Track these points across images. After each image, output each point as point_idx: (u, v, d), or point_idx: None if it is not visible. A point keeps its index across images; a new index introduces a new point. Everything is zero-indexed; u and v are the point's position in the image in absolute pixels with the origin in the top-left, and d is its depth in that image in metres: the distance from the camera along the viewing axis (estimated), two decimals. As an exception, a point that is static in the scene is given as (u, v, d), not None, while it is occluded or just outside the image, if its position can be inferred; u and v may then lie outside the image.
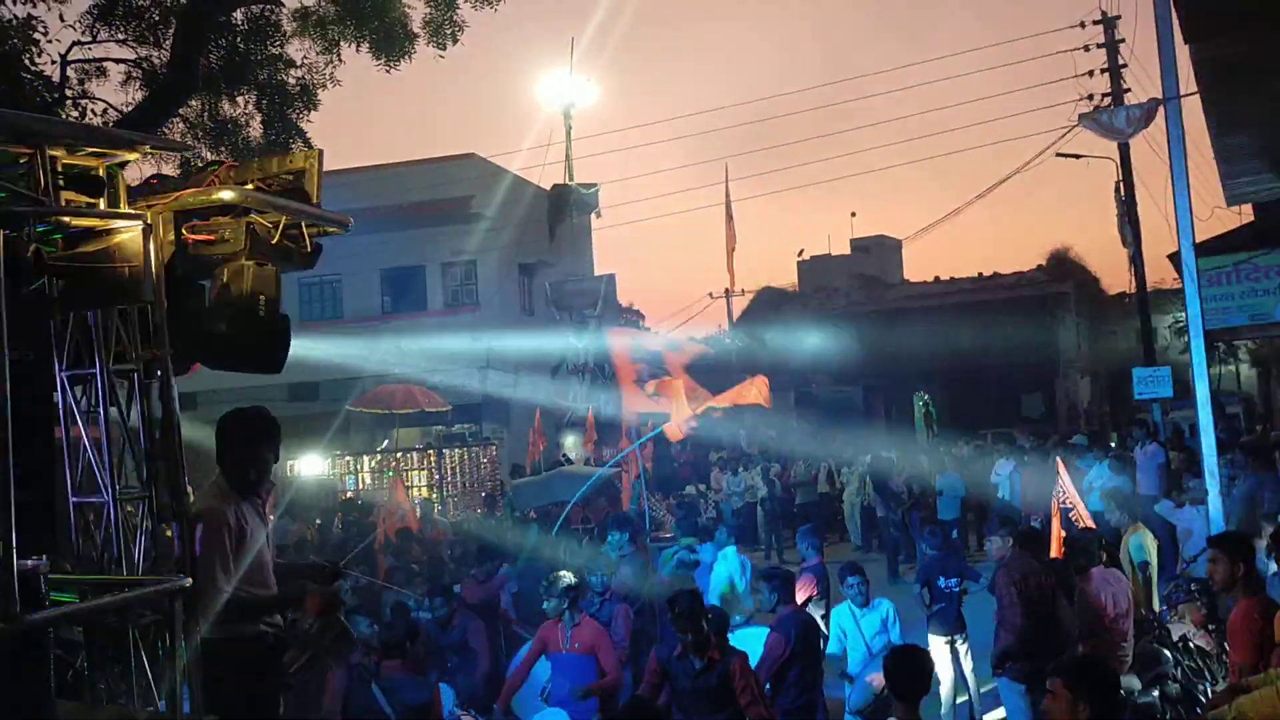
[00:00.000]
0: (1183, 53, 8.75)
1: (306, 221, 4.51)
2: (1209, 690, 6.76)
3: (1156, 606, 8.92)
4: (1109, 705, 4.17)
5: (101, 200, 4.20)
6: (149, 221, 4.14)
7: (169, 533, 4.29)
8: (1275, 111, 9.44)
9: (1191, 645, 7.34)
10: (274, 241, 4.38)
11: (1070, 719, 4.08)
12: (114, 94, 23.49)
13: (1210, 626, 7.50)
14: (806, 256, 46.80)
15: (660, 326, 42.33)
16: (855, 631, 7.92)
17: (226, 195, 4.27)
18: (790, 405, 32.95)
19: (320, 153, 4.56)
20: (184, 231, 4.35)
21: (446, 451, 17.99)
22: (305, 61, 13.46)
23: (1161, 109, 10.50)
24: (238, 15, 13.00)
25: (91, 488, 4.23)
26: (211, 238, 4.34)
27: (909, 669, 4.93)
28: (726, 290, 32.06)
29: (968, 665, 8.66)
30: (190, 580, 4.09)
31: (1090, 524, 9.49)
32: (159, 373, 4.22)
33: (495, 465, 20.39)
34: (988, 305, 38.78)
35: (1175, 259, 11.31)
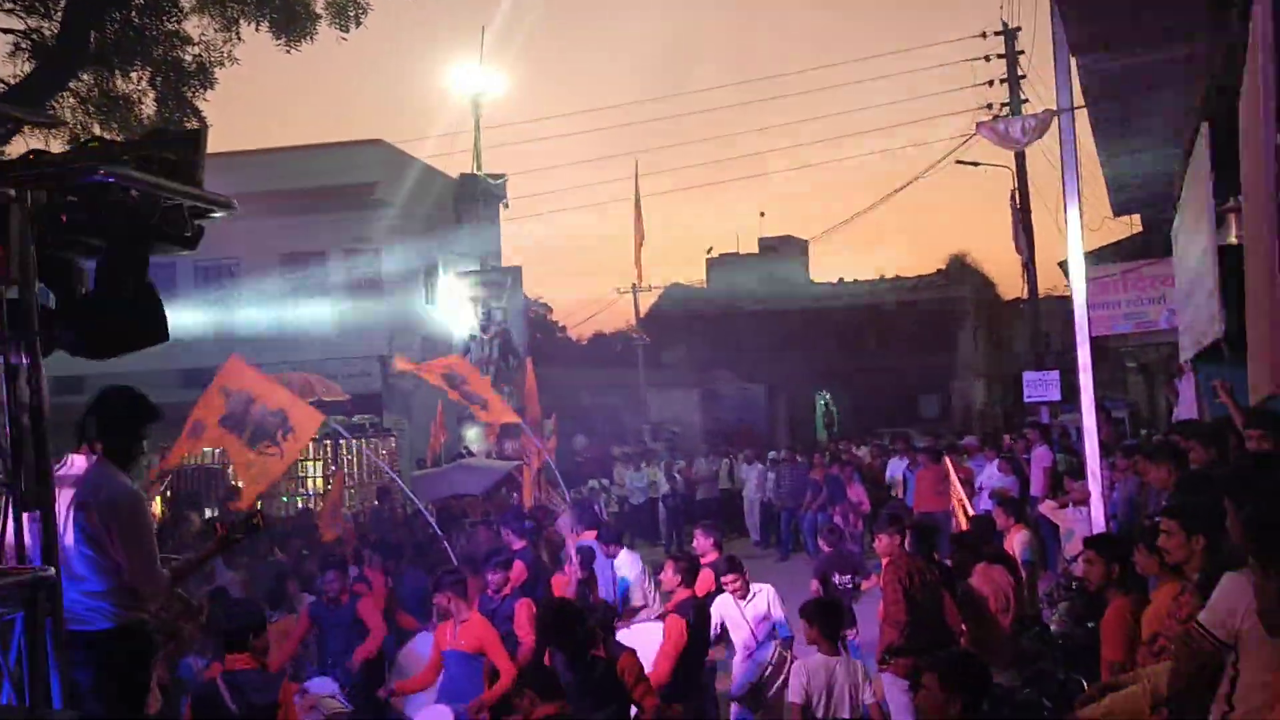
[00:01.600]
0: (1076, 64, 9.00)
1: (188, 202, 4.37)
2: (1084, 687, 6.96)
3: (1037, 604, 9.19)
4: (980, 700, 4.28)
5: (-33, 173, 4.02)
6: (18, 197, 3.97)
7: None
8: (1159, 128, 9.77)
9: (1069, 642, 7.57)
10: (153, 221, 4.25)
11: (942, 712, 4.17)
12: (1, 64, 22.59)
13: (1089, 625, 7.75)
14: (715, 254, 47.11)
15: (568, 320, 42.23)
16: (739, 618, 7.99)
17: (103, 172, 4.12)
18: (695, 402, 33.16)
19: (204, 131, 4.45)
20: (58, 209, 4.19)
21: (343, 442, 17.66)
22: (203, 39, 13.11)
23: (1055, 120, 10.81)
24: (134, -12, 12.61)
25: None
26: (87, 216, 4.19)
27: (828, 613, 6.49)
28: (634, 286, 32.08)
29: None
30: (52, 571, 3.95)
31: (965, 525, 9.75)
32: (26, 355, 4.06)
33: (395, 457, 20.11)
34: (888, 307, 39.59)
35: (1065, 266, 11.64)
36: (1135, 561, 5.47)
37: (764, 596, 8.24)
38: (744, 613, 8.03)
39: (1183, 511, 4.49)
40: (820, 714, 6.36)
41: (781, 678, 7.56)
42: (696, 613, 7.34)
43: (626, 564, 9.35)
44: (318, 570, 9.89)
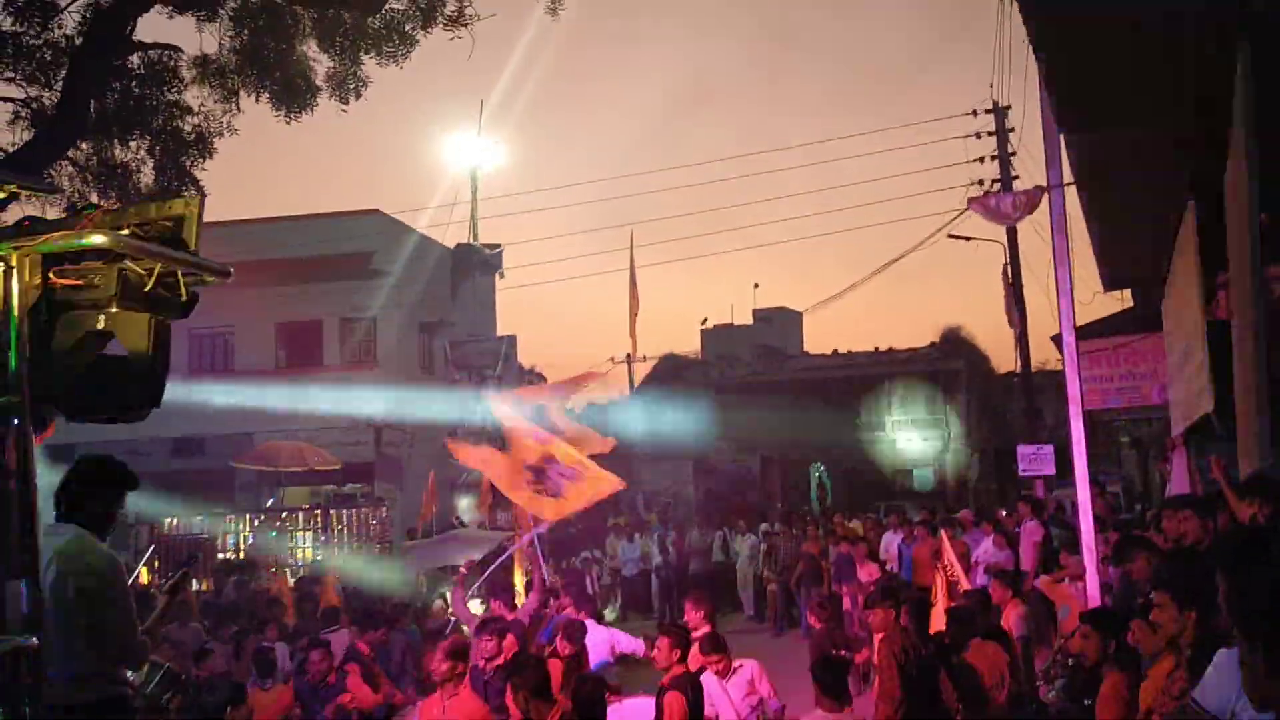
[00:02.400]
0: (1064, 142, 9.14)
1: (183, 269, 4.39)
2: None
3: (1033, 679, 9.07)
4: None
5: (-38, 240, 4.04)
6: (12, 263, 3.99)
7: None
8: (1148, 206, 9.89)
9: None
10: (147, 289, 4.26)
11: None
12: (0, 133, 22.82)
13: (1086, 702, 7.65)
14: (710, 325, 47.31)
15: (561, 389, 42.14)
16: (723, 697, 7.85)
17: (97, 239, 4.13)
18: (688, 474, 33.04)
19: (201, 199, 4.46)
20: (51, 275, 4.21)
21: (334, 511, 17.55)
22: (203, 109, 13.25)
23: (1046, 196, 10.94)
24: (134, 59, 12.76)
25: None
26: (80, 282, 4.20)
27: (831, 671, 6.50)
28: (628, 356, 32.17)
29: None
30: (36, 640, 3.90)
31: (946, 599, 9.68)
32: (15, 421, 4.04)
33: (387, 526, 19.96)
34: (883, 379, 39.67)
35: (1058, 340, 11.70)
36: (1132, 637, 5.42)
37: (747, 671, 8.10)
38: (728, 691, 7.90)
39: (1175, 585, 4.47)
40: None
41: None
42: (692, 688, 7.21)
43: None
44: (303, 647, 9.74)
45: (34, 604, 4.06)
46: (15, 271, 4.00)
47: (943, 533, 13.88)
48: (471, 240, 28.65)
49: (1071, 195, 10.66)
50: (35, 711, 3.87)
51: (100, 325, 4.24)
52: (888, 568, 16.72)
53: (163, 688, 4.99)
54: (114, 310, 4.17)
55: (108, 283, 4.21)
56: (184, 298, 4.52)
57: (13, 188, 4.17)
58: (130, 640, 4.54)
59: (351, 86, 12.89)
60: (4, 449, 4.05)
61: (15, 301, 3.98)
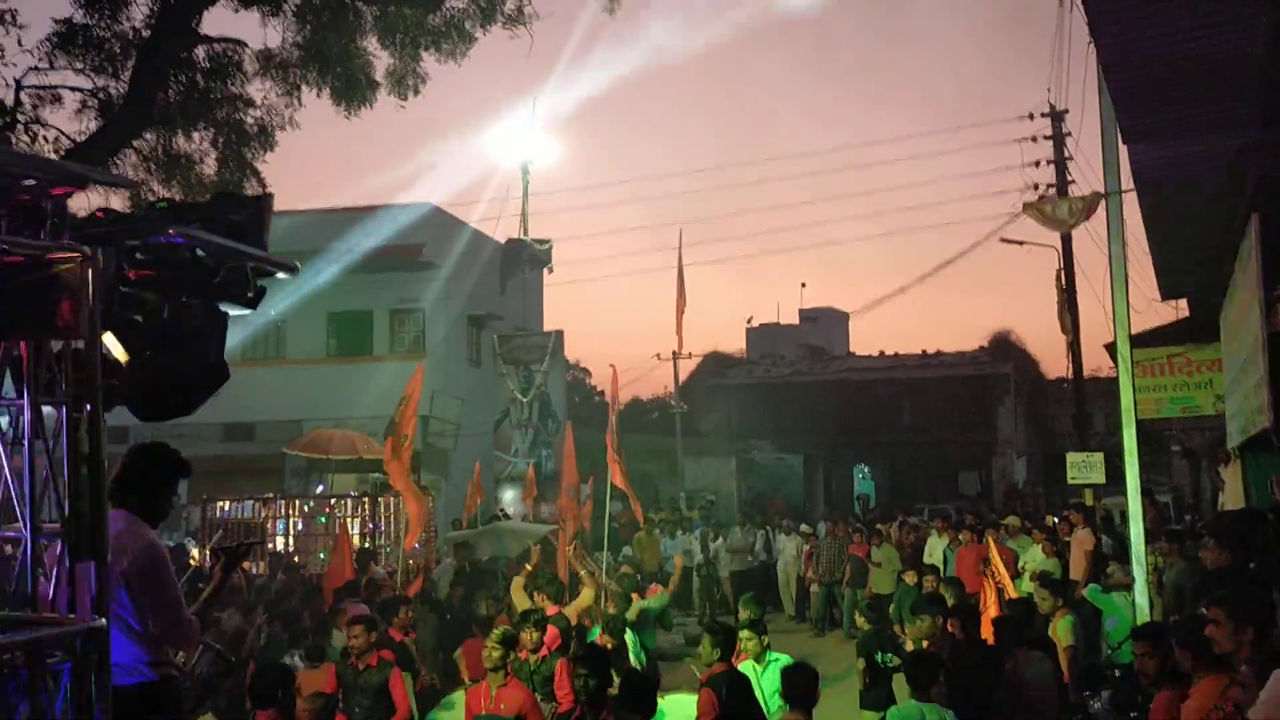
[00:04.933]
0: (1126, 151, 9.04)
1: (251, 263, 4.49)
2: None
3: (1080, 690, 9.00)
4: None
5: (43, 231, 4.16)
6: (90, 255, 4.10)
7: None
8: (1209, 215, 9.77)
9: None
10: (217, 281, 4.36)
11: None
12: (67, 122, 23.23)
13: (1133, 715, 7.59)
14: (755, 324, 47.21)
15: (606, 385, 42.40)
16: (756, 686, 7.89)
17: (171, 232, 4.25)
18: (731, 471, 33.02)
19: (270, 196, 4.57)
20: (126, 267, 4.32)
21: (382, 500, 17.72)
22: (265, 102, 13.45)
23: (1103, 203, 10.82)
24: (199, 52, 12.98)
25: (10, 519, 4.14)
26: (153, 274, 4.31)
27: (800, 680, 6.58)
28: (674, 353, 32.16)
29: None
30: (104, 621, 4.01)
31: (994, 607, 9.62)
32: (88, 407, 4.16)
33: (432, 516, 20.13)
34: (930, 382, 39.35)
35: (1111, 349, 11.57)
36: (1177, 657, 5.38)
37: (781, 665, 8.15)
38: (760, 680, 7.93)
39: (1231, 601, 4.42)
40: None
41: None
42: (733, 684, 7.23)
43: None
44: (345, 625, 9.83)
45: (102, 585, 4.18)
46: (91, 262, 4.11)
47: (990, 539, 13.78)
48: (522, 235, 28.82)
49: (1129, 202, 10.54)
50: (103, 691, 3.98)
51: (171, 316, 4.35)
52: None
53: (213, 669, 5.08)
54: (185, 301, 4.28)
55: (180, 275, 4.32)
56: (251, 291, 4.64)
57: (87, 176, 4.27)
58: (179, 623, 4.62)
59: (410, 83, 13.04)
60: (77, 436, 4.17)
61: (92, 292, 4.09)
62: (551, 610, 9.49)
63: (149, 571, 4.60)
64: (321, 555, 16.13)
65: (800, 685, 6.61)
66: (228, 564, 5.37)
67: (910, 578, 13.59)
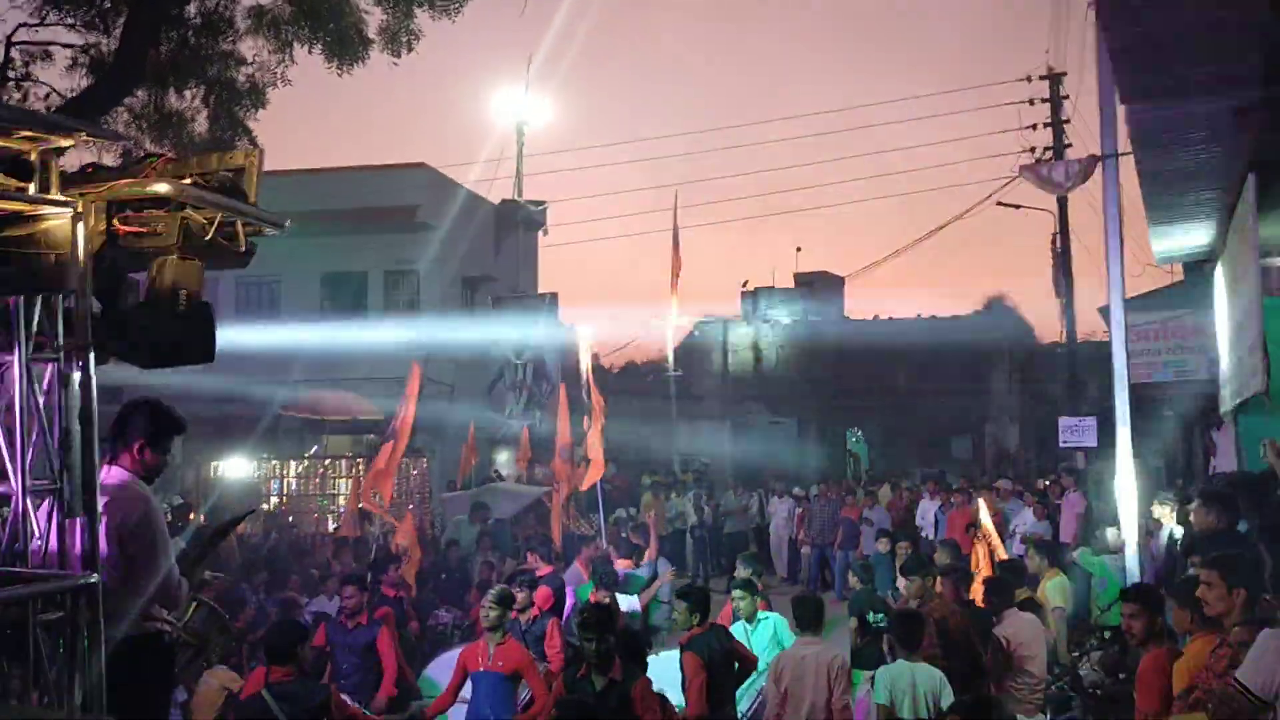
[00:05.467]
0: (1124, 112, 8.98)
1: (242, 220, 4.46)
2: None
3: (1069, 651, 9.08)
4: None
5: (32, 185, 4.12)
6: (79, 210, 4.07)
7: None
8: (1206, 177, 9.72)
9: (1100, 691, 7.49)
10: (208, 238, 4.32)
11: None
12: (59, 78, 23.04)
13: (1120, 675, 7.65)
14: (750, 287, 47.10)
15: (601, 348, 42.36)
16: (747, 645, 7.96)
17: (161, 188, 4.21)
18: (725, 435, 33.09)
19: (261, 151, 4.52)
20: (115, 222, 4.28)
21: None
22: (256, 60, 13.31)
23: (1100, 166, 10.77)
24: (191, 9, 12.83)
25: (1, 476, 4.13)
26: (144, 230, 4.27)
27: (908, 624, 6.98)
28: (668, 316, 32.06)
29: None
30: (96, 576, 4.01)
31: (1004, 558, 9.69)
32: (79, 364, 4.14)
33: (425, 478, 20.19)
34: (924, 347, 39.36)
35: (1105, 312, 11.58)
36: (1172, 615, 5.42)
37: (770, 625, 8.23)
38: (748, 638, 8.00)
39: (1224, 564, 4.44)
40: (905, 715, 6.65)
41: None
42: (715, 644, 7.25)
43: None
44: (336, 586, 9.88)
45: (93, 541, 4.18)
46: (82, 218, 4.08)
47: (981, 502, 13.84)
48: (516, 197, 28.67)
49: (1125, 165, 10.50)
50: (95, 647, 3.99)
51: (161, 272, 4.32)
52: (923, 534, 16.73)
53: (205, 625, 5.09)
54: (175, 258, 4.25)
55: (170, 231, 4.27)
56: (243, 248, 4.60)
57: (80, 130, 4.22)
58: (168, 583, 4.61)
59: (404, 40, 12.88)
60: (67, 391, 4.15)
61: (81, 247, 4.06)
62: (544, 570, 9.54)
63: (142, 530, 4.57)
64: (315, 515, 16.20)
65: (810, 611, 7.23)
66: (220, 531, 5.38)
67: (883, 545, 13.56)
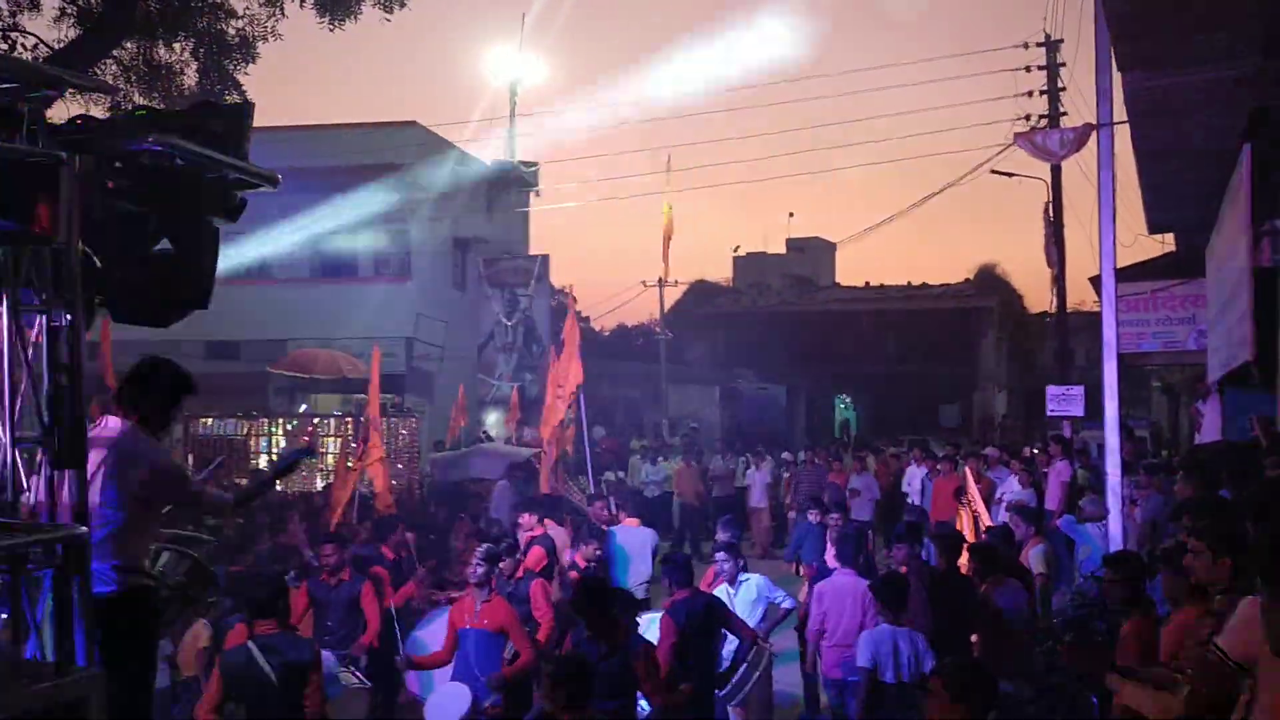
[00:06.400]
0: (1120, 81, 8.96)
1: (232, 174, 4.43)
2: (1095, 702, 6.96)
3: (1051, 618, 9.16)
4: (986, 709, 4.30)
5: (20, 135, 4.08)
6: (67, 159, 4.03)
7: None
8: (1201, 148, 9.71)
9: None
10: (198, 191, 4.30)
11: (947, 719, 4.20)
12: (46, 29, 22.70)
13: (1099, 639, 7.72)
14: (742, 252, 47.10)
15: (592, 311, 42.39)
16: (730, 606, 8.02)
17: (151, 141, 4.18)
18: (714, 399, 33.17)
19: (251, 106, 4.49)
20: (105, 175, 4.25)
21: (364, 420, 17.74)
22: (247, 13, 13.18)
23: (1094, 134, 10.74)
24: (181, -41, 12.68)
25: (-10, 428, 4.12)
26: (133, 183, 4.25)
27: (892, 587, 7.07)
28: (660, 280, 32.08)
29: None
30: (85, 529, 4.01)
31: (989, 524, 9.75)
32: (68, 316, 4.12)
33: (415, 438, 20.20)
34: (913, 314, 39.46)
35: (1096, 282, 11.59)
36: (1161, 583, 5.46)
37: (752, 585, 8.29)
38: (732, 601, 8.07)
39: (1211, 533, 4.47)
40: (888, 678, 6.76)
41: (759, 670, 7.63)
42: (693, 609, 7.31)
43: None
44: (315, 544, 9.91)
45: (82, 494, 4.18)
46: (70, 168, 4.03)
47: (967, 469, 13.91)
48: (509, 157, 28.49)
49: (1119, 134, 10.47)
50: (84, 599, 4.00)
51: (151, 227, 4.30)
52: (909, 501, 16.83)
53: (190, 578, 5.12)
54: (165, 212, 4.22)
55: (159, 184, 4.25)
56: (233, 203, 4.58)
57: (67, 80, 4.18)
58: (210, 496, 4.95)
59: (396, -6, 12.76)
60: (56, 344, 4.13)
61: (69, 198, 4.02)
62: (537, 531, 9.57)
63: (164, 480, 4.72)
64: (304, 473, 16.19)
65: (851, 546, 7.67)
66: (279, 473, 5.61)
67: (814, 515, 11.56)
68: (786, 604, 8.36)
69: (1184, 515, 5.52)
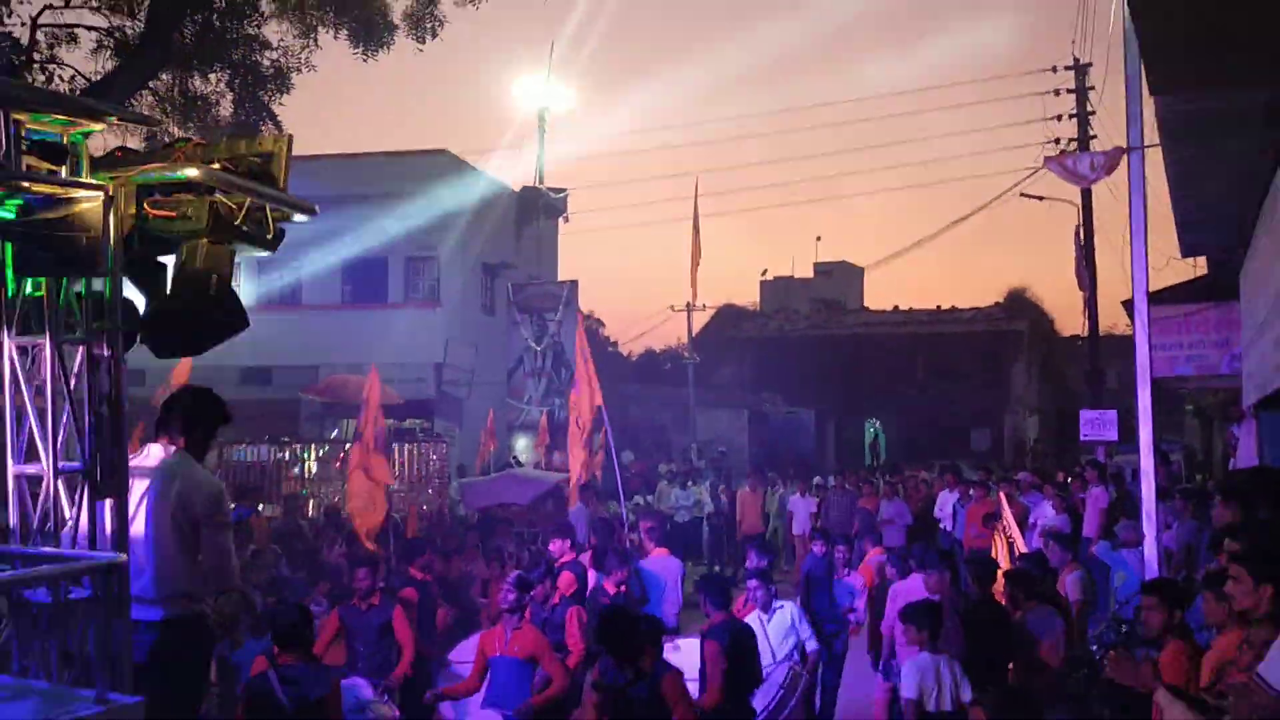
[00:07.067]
0: (1150, 104, 8.91)
1: (271, 205, 4.49)
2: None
3: (1087, 645, 9.05)
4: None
5: (64, 169, 4.16)
6: (110, 193, 4.10)
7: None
8: (1234, 170, 9.63)
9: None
10: (237, 223, 4.37)
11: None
12: (83, 61, 23.12)
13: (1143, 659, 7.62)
14: (769, 276, 47.04)
15: (620, 336, 42.42)
16: (762, 635, 7.97)
17: (192, 173, 4.25)
18: (742, 423, 33.07)
19: (290, 138, 4.54)
20: (145, 206, 4.32)
21: (395, 446, 17.82)
22: (281, 44, 13.39)
23: (1125, 158, 10.68)
24: (216, -8, 12.90)
25: (33, 457, 4.18)
26: (173, 214, 4.32)
27: (930, 615, 6.95)
28: (688, 304, 32.09)
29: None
30: (124, 557, 4.06)
31: (1024, 551, 9.65)
32: (109, 346, 4.18)
33: (445, 463, 20.27)
34: (944, 338, 39.22)
35: (1129, 305, 11.49)
36: (1202, 608, 5.39)
37: (786, 613, 8.24)
38: (765, 628, 8.02)
39: (1252, 558, 4.42)
40: (931, 707, 6.65)
41: (795, 698, 7.58)
42: (735, 634, 7.29)
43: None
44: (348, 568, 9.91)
45: (122, 522, 4.23)
46: (113, 202, 4.11)
47: (1001, 494, 13.80)
48: (537, 183, 28.67)
49: (1150, 157, 10.41)
50: (124, 628, 4.03)
51: (191, 256, 4.35)
52: (942, 527, 16.70)
53: (235, 606, 5.16)
54: (208, 243, 4.28)
55: (199, 215, 4.32)
56: (271, 233, 4.64)
57: (110, 113, 4.26)
58: (225, 562, 4.71)
59: (429, 25, 12.92)
60: (97, 374, 4.19)
61: (112, 231, 4.09)
62: (567, 558, 9.56)
63: (214, 511, 4.75)
64: (337, 499, 16.27)
65: (932, 616, 7.14)
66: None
67: (819, 547, 10.25)
68: (811, 645, 8.28)
69: (1225, 541, 5.46)
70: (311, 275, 24.67)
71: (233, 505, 6.76)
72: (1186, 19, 6.13)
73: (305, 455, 17.51)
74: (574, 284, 27.52)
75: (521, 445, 23.88)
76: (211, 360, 5.29)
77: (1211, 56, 6.66)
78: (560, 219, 29.70)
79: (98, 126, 4.30)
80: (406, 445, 18.43)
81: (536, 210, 28.24)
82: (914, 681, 6.77)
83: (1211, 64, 6.80)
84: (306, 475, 17.30)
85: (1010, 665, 7.55)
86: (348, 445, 18.08)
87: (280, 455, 17.30)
